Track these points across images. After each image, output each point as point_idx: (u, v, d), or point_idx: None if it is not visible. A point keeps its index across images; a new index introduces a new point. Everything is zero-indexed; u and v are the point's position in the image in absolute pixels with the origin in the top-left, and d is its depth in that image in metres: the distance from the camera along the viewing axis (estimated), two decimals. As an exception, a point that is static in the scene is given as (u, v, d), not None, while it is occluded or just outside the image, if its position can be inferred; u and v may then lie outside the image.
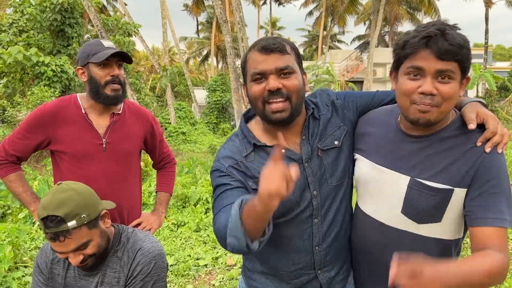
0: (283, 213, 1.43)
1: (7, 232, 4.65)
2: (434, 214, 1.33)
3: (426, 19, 40.22)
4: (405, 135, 1.40)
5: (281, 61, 1.36)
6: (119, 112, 2.12)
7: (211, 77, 31.78)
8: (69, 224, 1.46)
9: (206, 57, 46.69)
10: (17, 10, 18.20)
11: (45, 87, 13.88)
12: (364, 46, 38.34)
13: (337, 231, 1.50)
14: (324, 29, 42.93)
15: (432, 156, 1.33)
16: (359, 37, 44.00)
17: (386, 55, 27.17)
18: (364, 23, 40.71)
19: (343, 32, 47.71)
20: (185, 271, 4.27)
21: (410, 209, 1.35)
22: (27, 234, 4.89)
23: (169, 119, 21.69)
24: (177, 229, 5.65)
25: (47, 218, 1.46)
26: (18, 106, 12.75)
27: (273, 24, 49.00)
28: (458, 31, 1.24)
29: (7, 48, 14.71)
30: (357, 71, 27.28)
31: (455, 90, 1.25)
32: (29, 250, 4.68)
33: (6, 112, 12.88)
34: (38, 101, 12.37)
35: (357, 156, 1.53)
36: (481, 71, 18.85)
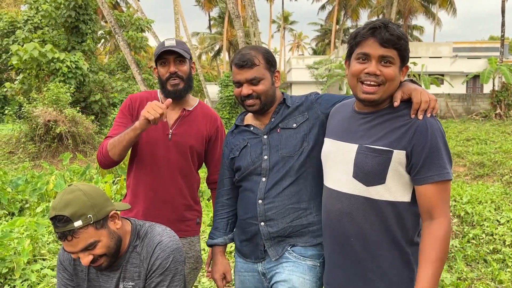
0: (244, 170, 1.95)
1: (25, 225, 4.74)
2: (379, 174, 1.53)
3: (441, 12, 39.69)
4: (357, 113, 1.66)
5: (250, 73, 1.88)
6: (190, 109, 2.30)
7: (223, 72, 31.80)
8: (75, 224, 1.51)
9: (218, 52, 46.74)
10: (32, 7, 18.44)
11: (60, 83, 14.04)
12: (378, 40, 37.94)
13: (280, 191, 1.85)
14: (337, 23, 42.63)
15: (375, 127, 1.57)
16: (372, 31, 43.48)
17: (400, 49, 26.84)
18: (378, 17, 40.29)
19: (356, 26, 47.15)
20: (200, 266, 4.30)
21: (359, 171, 1.57)
22: (45, 227, 4.97)
23: (182, 114, 21.77)
24: (191, 223, 5.69)
25: (55, 217, 1.51)
26: (34, 102, 12.90)
27: (285, 18, 48.81)
28: (398, 27, 1.52)
29: (23, 45, 14.90)
30: (370, 65, 27.01)
31: (395, 72, 1.53)
32: (47, 244, 4.76)
33: (22, 108, 13.05)
34: (54, 97, 12.52)
35: (325, 139, 1.80)
36: (497, 65, 18.49)
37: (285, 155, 1.87)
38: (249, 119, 2.06)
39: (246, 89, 1.88)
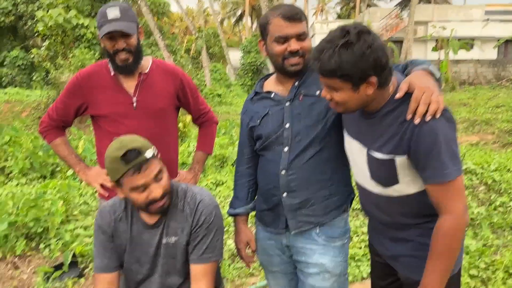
0: (265, 139, 1.87)
1: (58, 187, 4.93)
2: (390, 178, 1.54)
3: (473, -27, 37.71)
4: (362, 112, 1.60)
5: (300, 28, 1.72)
6: (146, 71, 2.20)
7: (245, 38, 31.40)
8: (146, 154, 1.61)
9: (241, 17, 46.01)
10: (56, -28, 18.40)
11: (85, 49, 14.17)
12: (405, 3, 36.60)
13: (304, 162, 1.79)
14: (363, -15, 41.11)
15: (379, 131, 1.53)
16: (400, -6, 41.90)
17: (428, 13, 25.89)
18: (406, -21, 38.60)
19: (383, -11, 45.40)
20: (224, 227, 4.42)
21: (375, 175, 1.59)
22: (77, 190, 5.16)
23: (205, 81, 21.78)
24: (216, 188, 5.81)
25: (126, 153, 1.58)
26: (61, 68, 13.11)
27: (310, -19, 47.30)
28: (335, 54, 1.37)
29: (48, 11, 15.01)
30: (396, 30, 26.20)
31: (344, 97, 1.46)
32: (79, 205, 4.96)
33: (49, 74, 13.29)
34: (80, 63, 12.68)
35: (344, 133, 1.76)
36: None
37: (309, 124, 1.78)
38: (270, 85, 1.94)
39: (295, 44, 1.71)
